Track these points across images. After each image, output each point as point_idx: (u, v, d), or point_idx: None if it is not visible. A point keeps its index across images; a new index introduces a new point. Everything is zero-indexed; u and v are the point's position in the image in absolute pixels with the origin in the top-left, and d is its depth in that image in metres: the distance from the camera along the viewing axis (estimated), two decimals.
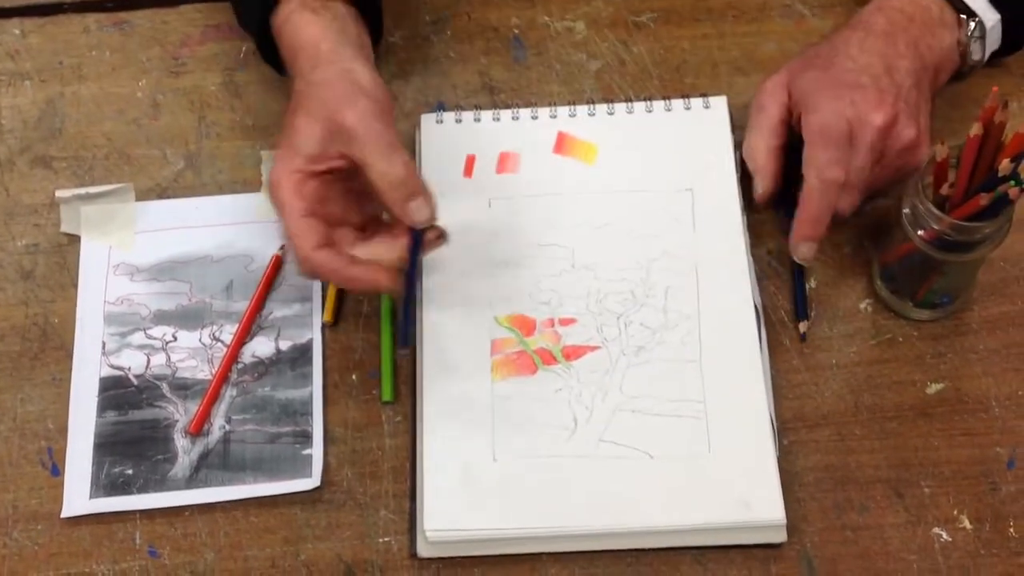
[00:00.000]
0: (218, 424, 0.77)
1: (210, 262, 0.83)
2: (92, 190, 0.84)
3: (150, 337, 0.80)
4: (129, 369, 0.79)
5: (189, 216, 0.85)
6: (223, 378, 0.79)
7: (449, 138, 0.86)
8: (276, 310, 0.81)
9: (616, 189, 0.83)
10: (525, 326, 0.79)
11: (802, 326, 0.79)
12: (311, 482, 0.75)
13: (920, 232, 0.73)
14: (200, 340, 0.80)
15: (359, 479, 0.76)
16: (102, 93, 0.90)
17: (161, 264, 0.83)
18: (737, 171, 0.83)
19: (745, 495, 0.72)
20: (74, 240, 0.84)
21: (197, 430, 0.77)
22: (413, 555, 0.73)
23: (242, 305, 0.81)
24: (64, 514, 0.75)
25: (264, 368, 0.79)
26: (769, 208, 0.83)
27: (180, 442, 0.77)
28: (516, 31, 0.92)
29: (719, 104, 0.86)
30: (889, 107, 0.77)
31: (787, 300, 0.81)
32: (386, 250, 0.73)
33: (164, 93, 0.90)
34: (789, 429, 0.76)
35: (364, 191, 0.73)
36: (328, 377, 0.79)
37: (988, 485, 0.75)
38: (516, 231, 0.82)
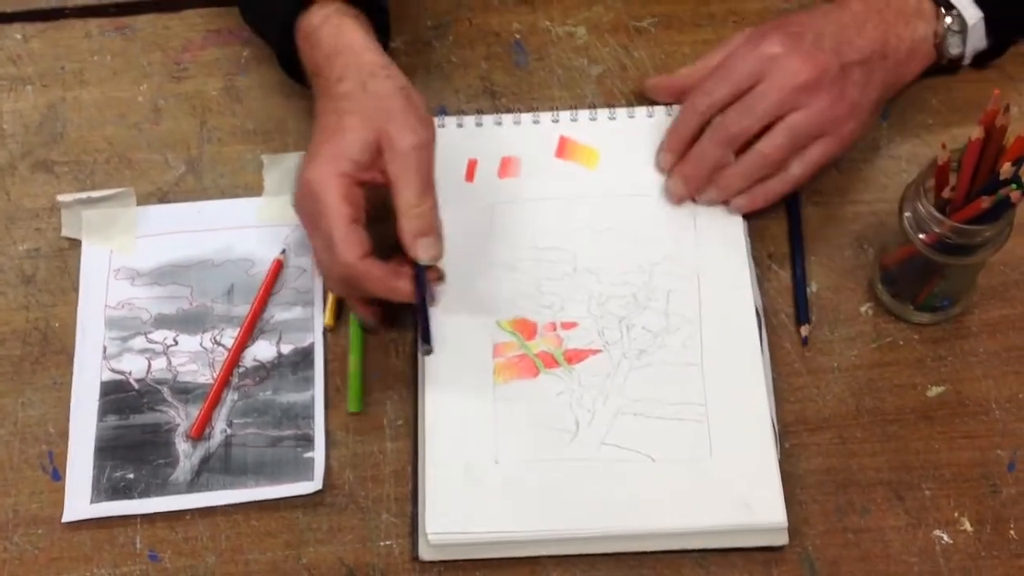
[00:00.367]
0: (219, 428, 0.77)
1: (211, 266, 0.83)
2: (93, 194, 0.84)
3: (151, 341, 0.80)
4: (130, 373, 0.79)
5: (190, 220, 0.85)
6: (224, 382, 0.79)
7: (451, 142, 0.86)
8: (277, 314, 0.81)
9: (618, 193, 0.83)
10: (527, 330, 0.79)
11: (804, 330, 0.79)
12: (313, 485, 0.75)
13: (921, 235, 0.73)
14: (201, 344, 0.80)
15: (360, 482, 0.76)
16: (103, 98, 0.90)
17: (162, 268, 0.83)
18: None
19: (746, 497, 0.72)
20: (75, 244, 0.84)
21: (198, 434, 0.77)
22: (415, 558, 0.73)
23: (243, 309, 0.81)
24: (65, 519, 0.75)
25: (265, 372, 0.79)
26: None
27: (181, 446, 0.77)
28: (517, 36, 0.93)
29: None
30: (816, 68, 0.77)
31: (788, 304, 0.81)
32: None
33: (165, 98, 0.90)
34: (791, 432, 0.77)
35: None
36: (330, 380, 0.79)
37: (989, 487, 0.75)
38: (518, 235, 0.82)
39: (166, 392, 0.79)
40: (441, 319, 0.78)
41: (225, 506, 0.75)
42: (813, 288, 0.81)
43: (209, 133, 0.89)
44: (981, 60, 0.86)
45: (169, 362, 0.80)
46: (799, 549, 0.73)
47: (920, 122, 0.87)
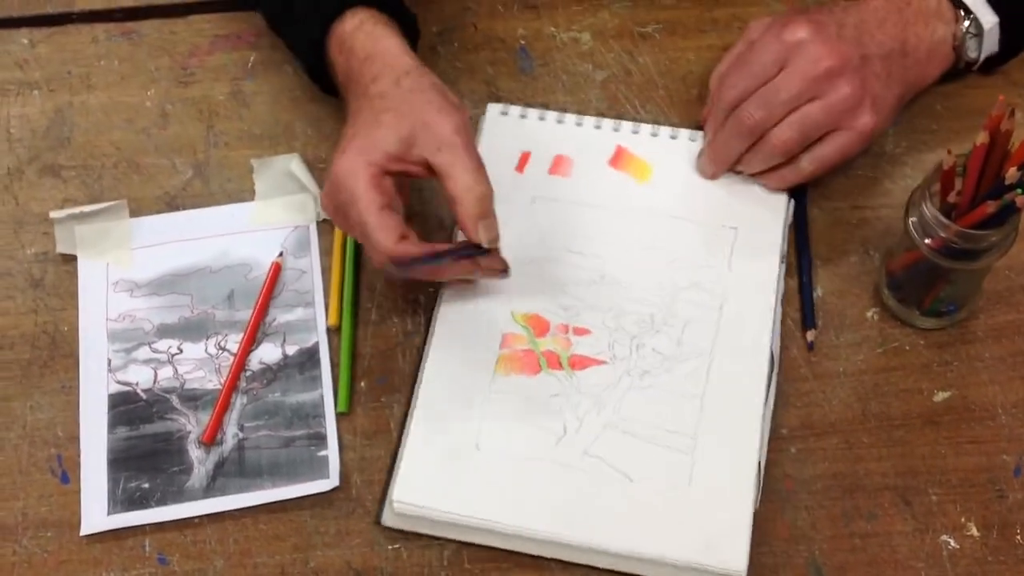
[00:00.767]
0: (231, 432, 0.77)
1: (209, 273, 0.83)
2: (86, 209, 0.84)
3: (155, 351, 0.81)
4: (137, 384, 0.79)
5: (184, 229, 0.85)
6: (232, 386, 0.79)
7: (510, 131, 0.87)
8: (279, 316, 0.82)
9: (661, 213, 0.83)
10: (539, 326, 0.79)
11: (810, 335, 0.80)
12: (329, 483, 0.75)
13: (927, 240, 0.74)
14: (206, 350, 0.80)
15: (368, 486, 0.76)
16: (111, 102, 0.91)
17: (160, 278, 0.83)
18: (787, 219, 0.83)
19: (712, 539, 0.71)
20: None
21: (211, 439, 0.77)
22: (377, 522, 0.74)
23: (245, 314, 0.81)
24: (83, 532, 0.75)
25: (273, 374, 0.80)
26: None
27: (194, 453, 0.77)
28: (522, 42, 0.93)
29: None
30: (839, 56, 0.77)
31: (794, 309, 0.81)
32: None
33: (173, 103, 0.91)
34: (797, 437, 0.77)
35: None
36: (336, 385, 0.79)
37: (995, 492, 0.75)
38: (553, 234, 0.82)
39: (175, 400, 0.79)
40: (459, 300, 0.79)
41: (233, 510, 0.75)
42: (819, 293, 0.82)
43: (216, 138, 0.89)
44: (989, 65, 0.86)
45: (175, 370, 0.80)
46: (806, 554, 0.73)
47: (925, 127, 0.87)
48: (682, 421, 0.75)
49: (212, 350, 0.80)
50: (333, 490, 0.75)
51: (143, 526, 0.75)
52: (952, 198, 0.72)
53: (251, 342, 0.80)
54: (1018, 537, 0.74)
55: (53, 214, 0.84)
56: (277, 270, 0.83)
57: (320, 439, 0.77)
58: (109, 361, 0.80)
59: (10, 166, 0.88)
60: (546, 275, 0.81)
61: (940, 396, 0.78)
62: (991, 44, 0.84)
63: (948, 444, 0.76)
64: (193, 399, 0.79)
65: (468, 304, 0.79)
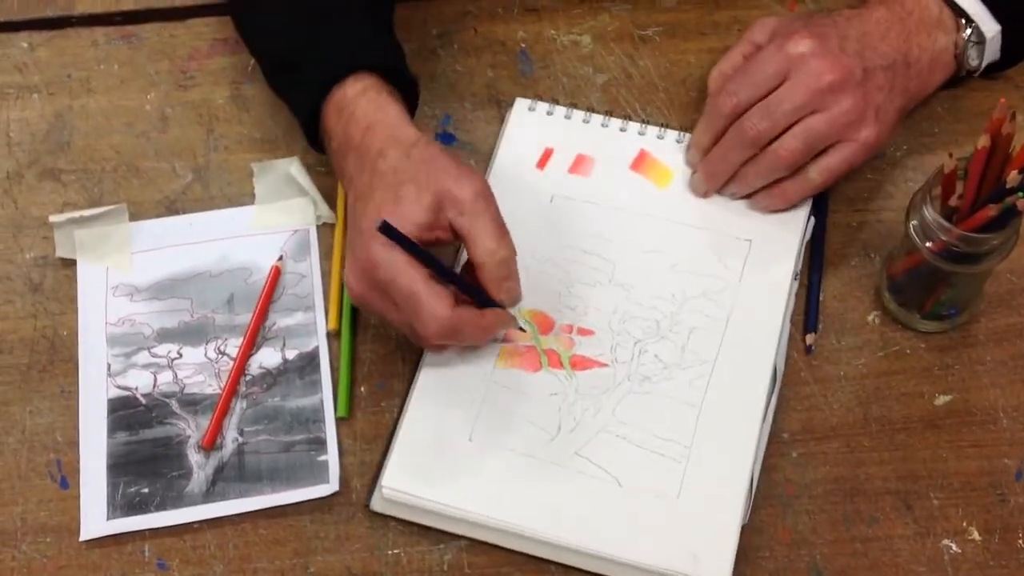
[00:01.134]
0: (231, 437, 0.77)
1: (209, 277, 0.83)
2: (86, 213, 0.84)
3: (155, 356, 0.80)
4: (136, 389, 0.79)
5: (183, 233, 0.85)
6: (232, 391, 0.79)
7: (535, 126, 0.87)
8: (279, 320, 0.81)
9: (677, 220, 0.83)
10: (544, 324, 0.79)
11: (809, 338, 0.80)
12: (329, 488, 0.75)
13: (928, 244, 0.74)
14: (206, 355, 0.80)
15: (368, 491, 0.76)
16: (110, 106, 0.91)
17: (160, 283, 0.83)
18: (804, 236, 0.82)
19: (697, 550, 0.71)
20: None
21: (210, 444, 0.77)
22: (366, 506, 0.74)
23: (244, 318, 0.81)
24: (83, 537, 0.74)
25: (272, 378, 0.79)
26: None
27: (194, 457, 0.77)
28: (523, 45, 0.93)
29: None
30: (841, 70, 0.77)
31: (797, 312, 0.81)
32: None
33: (172, 106, 0.90)
34: (798, 441, 0.77)
35: None
36: (336, 390, 0.79)
37: (997, 496, 0.75)
38: (567, 232, 0.82)
39: (174, 405, 0.79)
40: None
41: (233, 515, 0.75)
42: (820, 296, 0.81)
43: (216, 141, 0.89)
44: (989, 71, 0.86)
45: (175, 375, 0.80)
46: (807, 558, 0.73)
47: (926, 130, 0.87)
48: (678, 430, 0.75)
49: (212, 354, 0.80)
50: (333, 495, 0.75)
51: (142, 531, 0.75)
52: (953, 202, 0.72)
53: (251, 346, 0.80)
54: (1020, 541, 0.73)
55: (53, 218, 0.84)
56: (277, 274, 0.83)
57: (320, 444, 0.77)
58: (108, 366, 0.80)
59: (9, 170, 0.88)
60: (555, 273, 0.81)
61: (941, 400, 0.78)
62: (993, 52, 0.84)
63: (949, 448, 0.76)
64: (193, 404, 0.78)
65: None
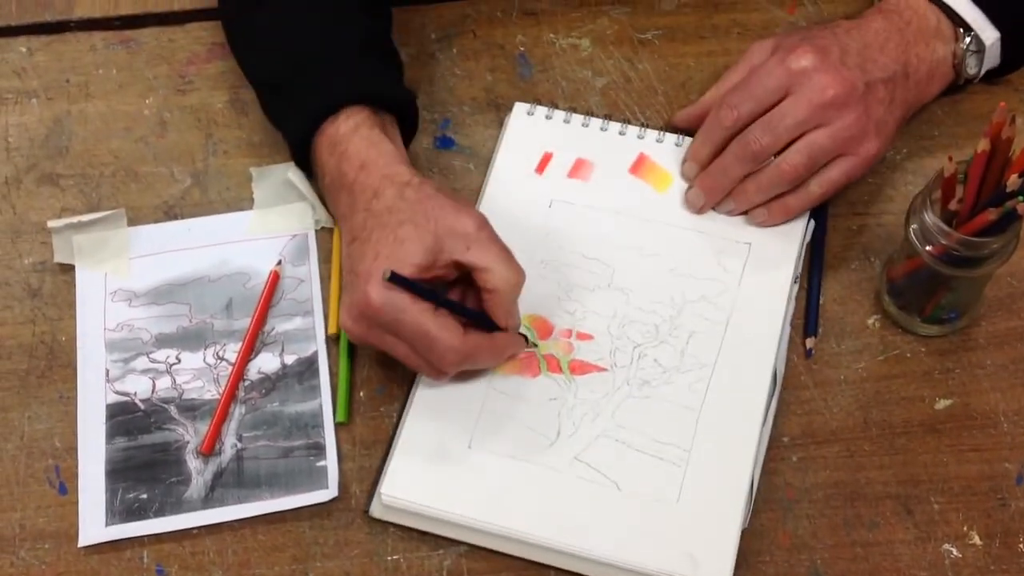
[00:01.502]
0: (230, 443, 0.77)
1: (207, 282, 0.83)
2: (84, 218, 0.84)
3: (153, 361, 0.80)
4: (135, 394, 0.79)
5: (182, 238, 0.85)
6: (231, 396, 0.78)
7: (534, 131, 0.87)
8: (278, 325, 0.81)
9: (676, 224, 0.83)
10: (543, 329, 0.79)
11: (809, 342, 0.79)
12: (328, 493, 0.75)
13: (928, 247, 0.73)
14: (204, 360, 0.80)
15: (367, 497, 0.75)
16: (109, 111, 0.90)
17: (159, 288, 0.83)
18: (804, 239, 0.82)
19: (697, 554, 0.71)
20: None
21: (209, 450, 0.77)
22: (366, 512, 0.74)
23: (243, 323, 0.81)
24: (81, 543, 0.74)
25: (271, 384, 0.79)
26: None
27: (193, 463, 0.77)
28: (522, 48, 0.93)
29: None
30: (843, 84, 0.77)
31: (797, 315, 0.81)
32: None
33: (171, 111, 0.90)
34: (798, 445, 0.76)
35: None
36: (335, 395, 0.79)
37: (997, 501, 0.75)
38: (565, 237, 0.82)
39: (173, 410, 0.78)
40: None
41: (232, 521, 0.75)
42: (820, 300, 0.81)
43: (215, 146, 0.89)
44: (988, 77, 0.86)
45: (173, 380, 0.80)
46: (807, 563, 0.73)
47: (926, 133, 0.87)
48: (677, 434, 0.75)
49: (210, 360, 0.80)
50: (332, 500, 0.75)
51: (141, 537, 0.75)
52: (953, 205, 0.72)
53: (249, 351, 0.80)
54: (1020, 545, 0.73)
55: (51, 223, 0.84)
56: (275, 279, 0.83)
57: (319, 449, 0.77)
58: (107, 371, 0.80)
59: (8, 175, 0.88)
60: (554, 278, 0.81)
61: (942, 404, 0.78)
62: (992, 59, 0.84)
63: (950, 452, 0.76)
64: (191, 409, 0.78)
65: None
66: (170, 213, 0.86)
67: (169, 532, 0.75)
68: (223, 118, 0.90)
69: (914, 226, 0.74)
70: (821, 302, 0.81)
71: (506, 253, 0.73)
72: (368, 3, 0.83)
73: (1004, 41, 0.83)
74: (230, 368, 0.79)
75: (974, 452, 0.76)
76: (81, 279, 0.83)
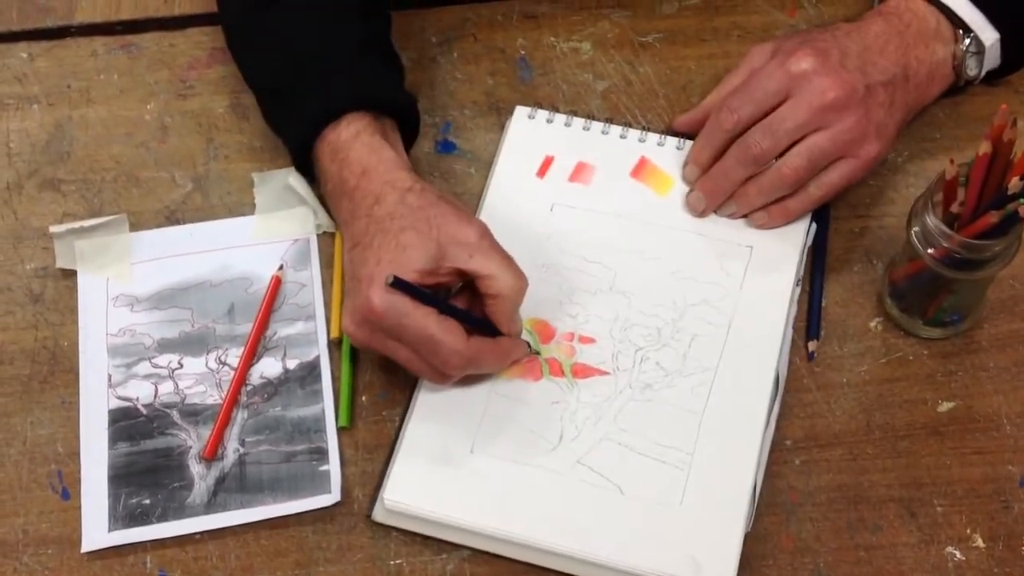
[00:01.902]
0: (232, 447, 0.77)
1: (209, 287, 0.83)
2: (86, 223, 0.84)
3: (156, 366, 0.80)
4: (137, 399, 0.79)
5: (184, 243, 0.85)
6: (233, 401, 0.78)
7: (535, 134, 0.87)
8: (280, 330, 0.81)
9: (678, 227, 0.83)
10: (545, 333, 0.79)
11: (811, 345, 0.79)
12: (331, 498, 0.75)
13: (930, 250, 0.73)
14: (207, 365, 0.80)
15: (370, 501, 0.75)
16: (110, 116, 0.90)
17: (161, 293, 0.83)
18: (805, 242, 0.82)
19: (700, 558, 0.71)
20: None
21: (211, 455, 0.77)
22: (368, 516, 0.74)
23: (245, 328, 0.81)
24: (84, 548, 0.74)
25: (274, 388, 0.79)
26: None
27: (195, 468, 0.77)
28: (522, 52, 0.93)
29: None
30: (844, 87, 0.77)
31: (799, 318, 0.81)
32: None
33: (172, 116, 0.90)
34: (801, 448, 0.76)
35: None
36: (337, 399, 0.79)
37: (1000, 503, 0.75)
38: (567, 240, 0.82)
39: (175, 415, 0.78)
40: None
41: (235, 526, 0.75)
42: (822, 303, 0.81)
43: (216, 151, 0.89)
44: (988, 78, 0.86)
45: (176, 385, 0.79)
46: (811, 566, 0.73)
47: (927, 135, 0.87)
48: (680, 437, 0.75)
49: (213, 364, 0.80)
50: (335, 505, 0.75)
51: (144, 542, 0.75)
52: (955, 208, 0.72)
53: (251, 356, 0.80)
54: None
55: (53, 229, 0.84)
56: (277, 283, 0.83)
57: (321, 454, 0.77)
58: (109, 376, 0.80)
59: (9, 181, 0.88)
60: (556, 282, 0.81)
61: (944, 406, 0.78)
62: (992, 59, 0.83)
63: (953, 455, 0.76)
64: (194, 414, 0.78)
65: None
66: (172, 218, 0.86)
67: (172, 537, 0.75)
68: (224, 123, 0.90)
69: (916, 229, 0.74)
70: (823, 305, 0.81)
71: (509, 260, 0.73)
72: (368, 6, 0.83)
73: (1004, 42, 0.83)
74: (232, 373, 0.79)
75: (977, 455, 0.76)
76: (83, 284, 0.83)
